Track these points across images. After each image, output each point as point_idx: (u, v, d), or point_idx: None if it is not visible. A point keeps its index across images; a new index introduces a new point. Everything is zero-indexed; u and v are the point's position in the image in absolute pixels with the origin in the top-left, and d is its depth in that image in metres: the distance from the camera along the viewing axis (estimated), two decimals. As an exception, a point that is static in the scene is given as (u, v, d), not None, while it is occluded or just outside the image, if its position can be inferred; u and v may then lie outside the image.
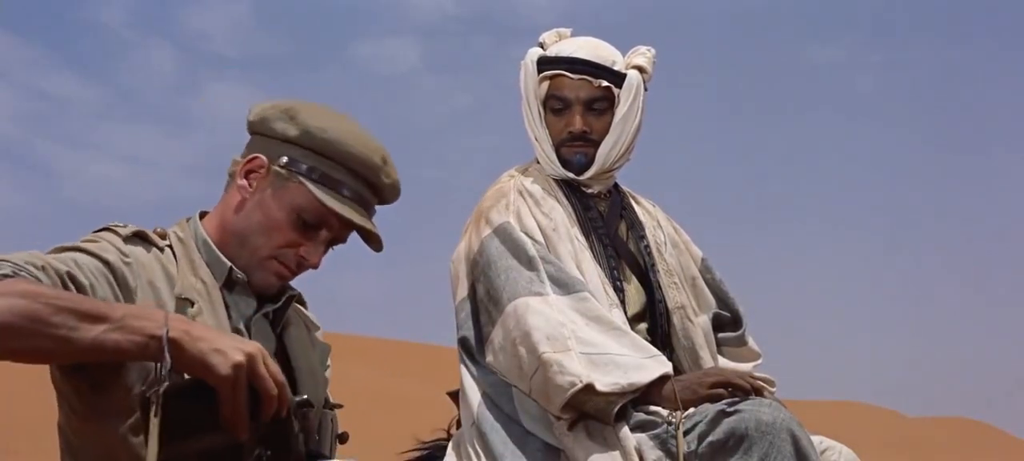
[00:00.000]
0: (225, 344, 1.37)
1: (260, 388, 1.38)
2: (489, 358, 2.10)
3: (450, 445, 2.23)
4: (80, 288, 1.47)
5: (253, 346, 1.39)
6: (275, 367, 1.41)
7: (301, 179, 1.71)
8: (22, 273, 1.38)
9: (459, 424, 2.24)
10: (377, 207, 1.83)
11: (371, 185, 1.78)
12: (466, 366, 2.17)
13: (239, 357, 1.36)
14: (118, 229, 1.63)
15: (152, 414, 1.29)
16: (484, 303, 2.13)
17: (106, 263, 1.53)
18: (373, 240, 1.79)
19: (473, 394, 2.13)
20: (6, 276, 1.36)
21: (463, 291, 2.20)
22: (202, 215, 1.77)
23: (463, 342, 2.17)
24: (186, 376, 1.37)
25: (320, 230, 1.74)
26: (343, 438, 1.87)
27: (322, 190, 1.71)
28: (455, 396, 2.25)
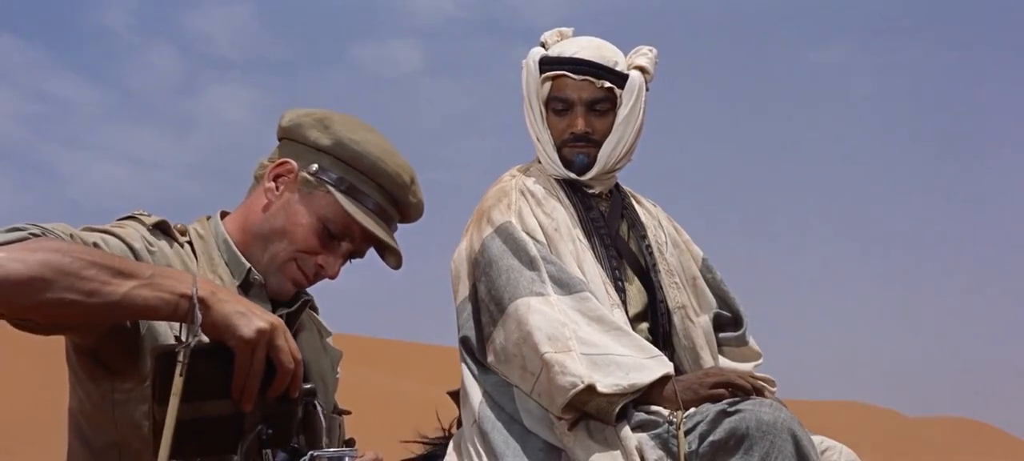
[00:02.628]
0: (251, 309, 1.39)
1: (277, 360, 1.38)
2: (490, 358, 2.11)
3: (451, 445, 2.23)
4: None
5: (276, 319, 1.41)
6: (294, 344, 1.42)
7: (329, 188, 1.73)
8: (50, 235, 1.40)
9: (460, 424, 2.25)
10: (398, 225, 1.84)
11: (396, 202, 1.79)
12: (467, 366, 2.17)
13: (263, 324, 1.37)
14: (143, 218, 1.64)
15: (177, 373, 1.29)
16: (485, 303, 2.13)
17: (132, 250, 1.54)
18: (392, 256, 1.80)
19: (474, 394, 2.13)
20: (36, 235, 1.37)
21: (464, 291, 2.20)
22: (223, 215, 1.79)
23: (464, 342, 2.17)
24: (204, 339, 1.37)
25: (342, 241, 1.75)
26: (350, 444, 1.87)
27: (349, 201, 1.73)
28: (456, 396, 2.25)
